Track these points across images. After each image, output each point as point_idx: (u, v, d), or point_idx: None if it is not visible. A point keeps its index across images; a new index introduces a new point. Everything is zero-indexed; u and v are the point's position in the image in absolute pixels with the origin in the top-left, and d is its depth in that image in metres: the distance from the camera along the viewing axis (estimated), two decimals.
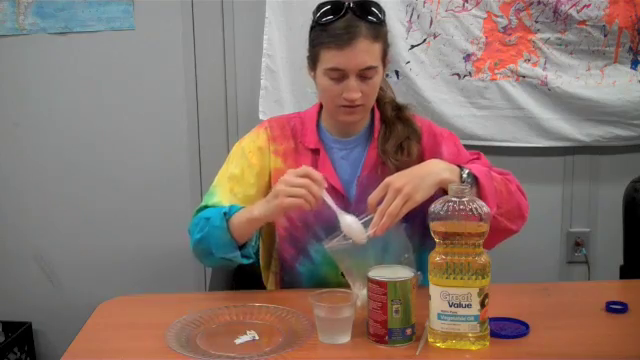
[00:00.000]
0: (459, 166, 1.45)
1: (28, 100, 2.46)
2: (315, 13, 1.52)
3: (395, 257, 1.37)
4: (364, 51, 1.47)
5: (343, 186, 1.57)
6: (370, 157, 1.59)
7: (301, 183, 1.37)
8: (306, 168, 1.40)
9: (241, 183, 1.60)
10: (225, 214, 1.47)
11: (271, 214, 1.43)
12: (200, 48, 2.40)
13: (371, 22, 1.48)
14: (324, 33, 1.49)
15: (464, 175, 1.42)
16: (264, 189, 1.60)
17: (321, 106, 1.67)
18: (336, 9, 1.48)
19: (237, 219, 1.47)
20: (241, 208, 1.50)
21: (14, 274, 2.57)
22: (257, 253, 1.57)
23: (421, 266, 1.37)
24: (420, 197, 1.38)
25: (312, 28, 1.55)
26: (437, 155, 1.56)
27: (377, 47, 1.49)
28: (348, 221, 1.39)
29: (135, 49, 2.40)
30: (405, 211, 1.37)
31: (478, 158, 1.61)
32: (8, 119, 2.48)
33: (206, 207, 1.57)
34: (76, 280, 2.56)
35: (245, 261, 1.51)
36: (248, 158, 1.62)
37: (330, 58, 1.48)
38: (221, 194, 1.59)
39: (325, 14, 1.49)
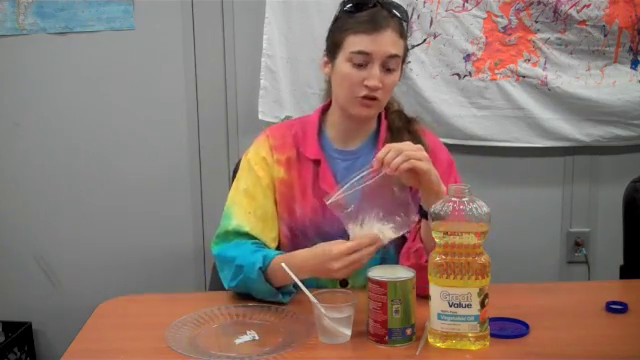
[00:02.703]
0: None
1: (28, 100, 2.46)
2: (343, 3, 1.55)
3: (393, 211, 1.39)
4: (391, 41, 1.49)
5: (346, 196, 1.56)
6: None
7: (356, 260, 1.37)
8: (352, 246, 1.38)
9: (254, 199, 1.59)
10: (260, 269, 1.45)
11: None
12: (200, 48, 2.40)
13: (399, 19, 1.52)
14: (351, 20, 1.51)
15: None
16: (275, 200, 1.61)
17: (323, 111, 1.65)
18: (366, 1, 1.51)
19: (275, 273, 1.45)
20: (275, 255, 1.48)
21: (14, 274, 2.57)
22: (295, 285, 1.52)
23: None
24: (422, 165, 1.36)
25: (337, 18, 1.56)
26: None
27: (402, 43, 1.53)
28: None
29: (135, 49, 2.40)
30: (406, 166, 1.35)
31: None
32: (8, 119, 2.48)
33: (226, 232, 1.56)
34: (76, 280, 2.56)
35: (287, 298, 1.49)
36: (255, 171, 1.61)
37: (357, 42, 1.49)
38: (238, 216, 1.58)
39: (354, 4, 1.52)
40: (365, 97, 1.51)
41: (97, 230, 2.53)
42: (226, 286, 1.55)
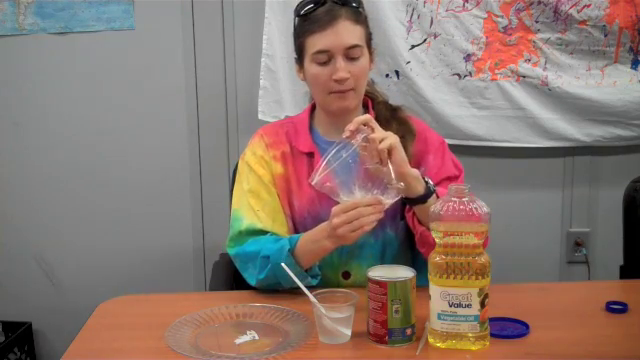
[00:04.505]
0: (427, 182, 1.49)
1: (28, 100, 2.46)
2: (296, 9, 1.59)
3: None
4: (347, 31, 1.53)
5: (343, 185, 1.57)
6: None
7: (354, 216, 1.39)
8: (351, 204, 1.40)
9: (260, 197, 1.62)
10: (289, 250, 1.49)
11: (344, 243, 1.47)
12: (200, 48, 2.40)
13: (350, 7, 1.55)
14: (306, 22, 1.56)
15: (430, 187, 1.48)
16: (278, 195, 1.63)
17: (312, 109, 1.69)
18: (316, 0, 1.55)
19: (302, 251, 1.49)
20: (298, 238, 1.51)
21: (14, 274, 2.57)
22: (320, 267, 1.57)
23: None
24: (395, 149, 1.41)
25: (295, 26, 1.61)
26: (423, 162, 1.61)
27: (359, 29, 1.56)
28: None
29: (135, 49, 2.40)
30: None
31: (458, 177, 1.61)
32: (8, 119, 2.48)
33: (239, 233, 1.58)
34: (76, 280, 2.56)
35: (315, 282, 1.52)
36: (255, 170, 1.63)
37: (315, 42, 1.54)
38: (248, 216, 1.60)
39: (306, 5, 1.56)
40: (339, 91, 1.54)
41: (97, 230, 2.52)
42: (253, 282, 1.56)
